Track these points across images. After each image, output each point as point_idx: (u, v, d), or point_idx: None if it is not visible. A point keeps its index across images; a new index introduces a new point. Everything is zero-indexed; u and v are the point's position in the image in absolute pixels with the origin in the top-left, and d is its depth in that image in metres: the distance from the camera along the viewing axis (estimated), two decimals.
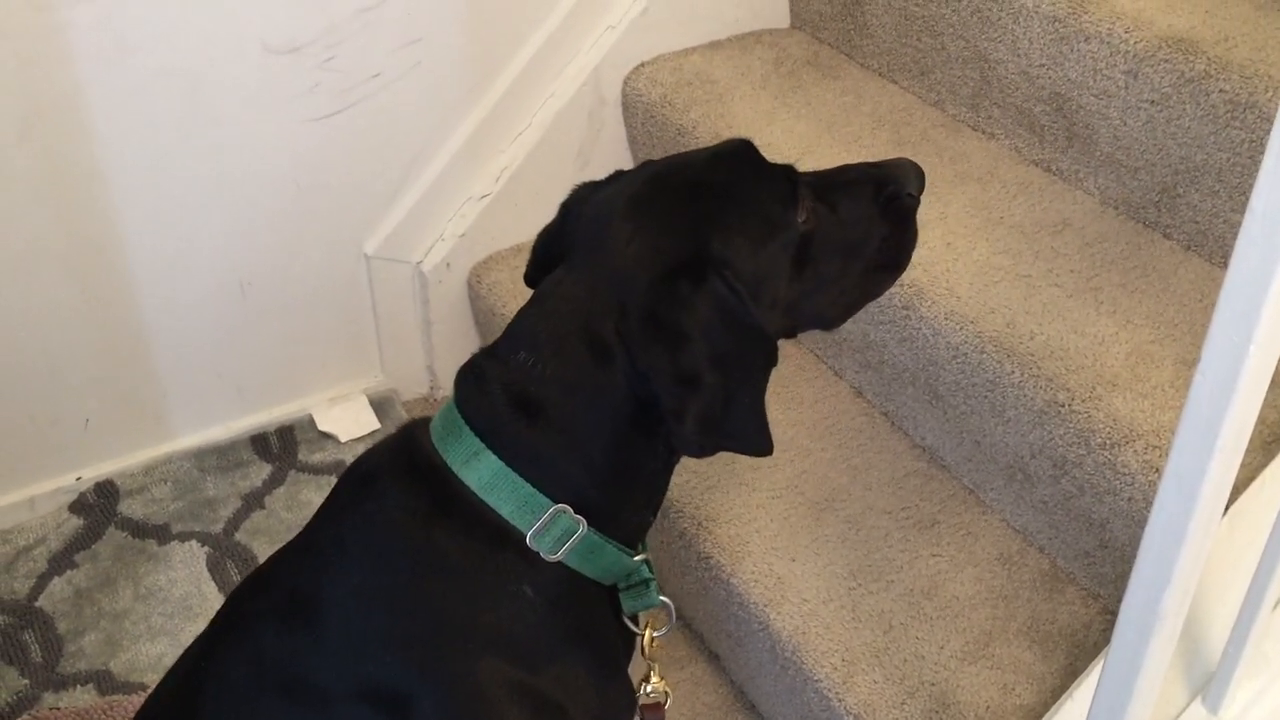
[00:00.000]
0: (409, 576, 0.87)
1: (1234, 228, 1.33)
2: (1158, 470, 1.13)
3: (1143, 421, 1.17)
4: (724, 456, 1.46)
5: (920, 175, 1.01)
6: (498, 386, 0.89)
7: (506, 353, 0.91)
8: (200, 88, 1.51)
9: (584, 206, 0.96)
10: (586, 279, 0.89)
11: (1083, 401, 1.20)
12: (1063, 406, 1.20)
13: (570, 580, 0.89)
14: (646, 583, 0.95)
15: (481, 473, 0.87)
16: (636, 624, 0.98)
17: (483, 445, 0.87)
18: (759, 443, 0.90)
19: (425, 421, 0.93)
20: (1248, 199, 1.32)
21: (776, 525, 1.37)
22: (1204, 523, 0.68)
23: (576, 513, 0.88)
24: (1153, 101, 1.34)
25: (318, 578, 0.89)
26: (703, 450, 0.91)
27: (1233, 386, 0.62)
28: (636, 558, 0.93)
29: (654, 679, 0.99)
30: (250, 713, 0.88)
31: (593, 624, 0.93)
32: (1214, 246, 1.35)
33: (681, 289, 0.85)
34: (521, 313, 0.94)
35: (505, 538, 0.87)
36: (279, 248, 1.68)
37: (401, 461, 0.91)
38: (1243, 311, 0.61)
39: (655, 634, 0.98)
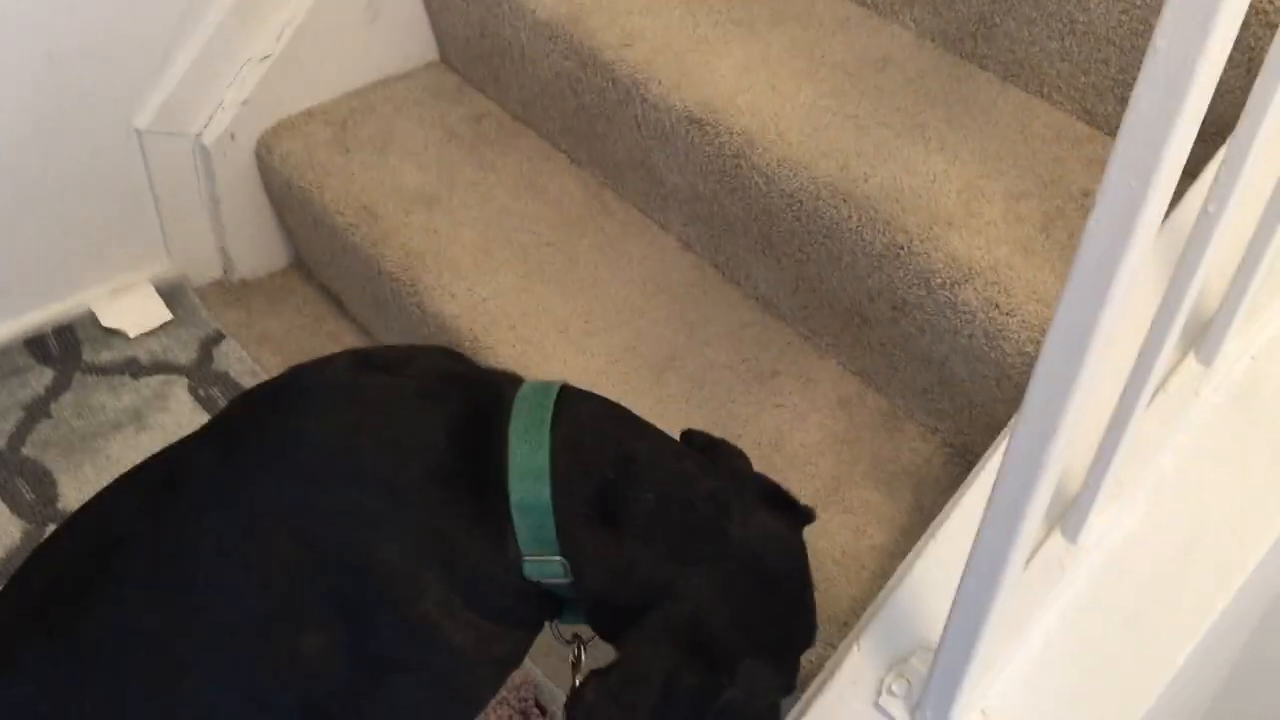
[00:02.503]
0: (408, 525, 0.86)
1: (1051, 56, 1.33)
2: (997, 306, 1.15)
3: (979, 259, 1.17)
4: (554, 319, 1.41)
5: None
6: (600, 474, 0.88)
7: (630, 465, 0.89)
8: None
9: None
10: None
11: (921, 242, 1.19)
12: (902, 249, 1.20)
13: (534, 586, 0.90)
14: None
15: (529, 496, 0.86)
16: (565, 636, 0.99)
17: (548, 478, 0.86)
18: None
19: (513, 384, 0.92)
20: (1066, 25, 1.32)
21: (618, 390, 1.34)
22: (1090, 378, 0.67)
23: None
24: None
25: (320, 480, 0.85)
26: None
27: (1127, 240, 0.60)
28: None
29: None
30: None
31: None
32: (1030, 76, 1.35)
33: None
34: (676, 455, 0.94)
35: (506, 540, 0.87)
36: (32, 126, 1.49)
37: (463, 416, 0.88)
38: (1142, 157, 0.58)
39: (583, 643, 0.99)
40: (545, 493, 0.86)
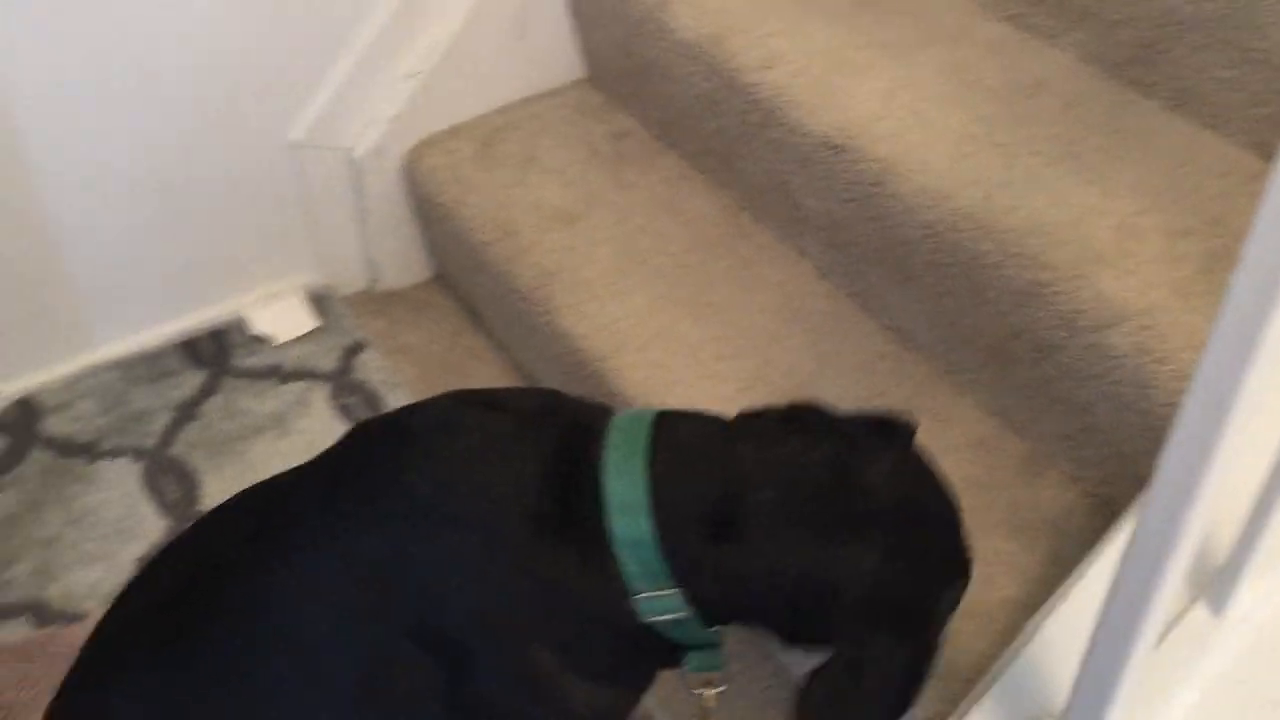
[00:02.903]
0: (507, 571, 0.84)
1: (1222, 85, 1.24)
2: (1149, 353, 1.07)
3: (1131, 301, 1.10)
4: (685, 343, 1.39)
5: None
6: (706, 492, 0.85)
7: (736, 471, 0.86)
8: None
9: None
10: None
11: (1067, 281, 1.12)
12: (1045, 287, 1.13)
13: (646, 631, 0.87)
14: (715, 646, 0.91)
15: (629, 531, 0.83)
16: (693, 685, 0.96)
17: (647, 509, 0.83)
18: None
19: (608, 418, 0.89)
20: (1240, 53, 1.23)
21: None
22: (1234, 440, 0.61)
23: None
24: None
25: (419, 531, 0.85)
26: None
27: (1276, 289, 0.55)
28: (712, 628, 0.90)
29: None
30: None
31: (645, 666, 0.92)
32: (1199, 106, 1.27)
33: None
34: (776, 440, 0.88)
35: (612, 581, 0.84)
36: (194, 138, 1.55)
37: (559, 455, 0.86)
38: None
39: (714, 690, 0.95)
40: (645, 525, 0.83)
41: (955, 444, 1.27)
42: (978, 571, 1.16)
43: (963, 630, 1.11)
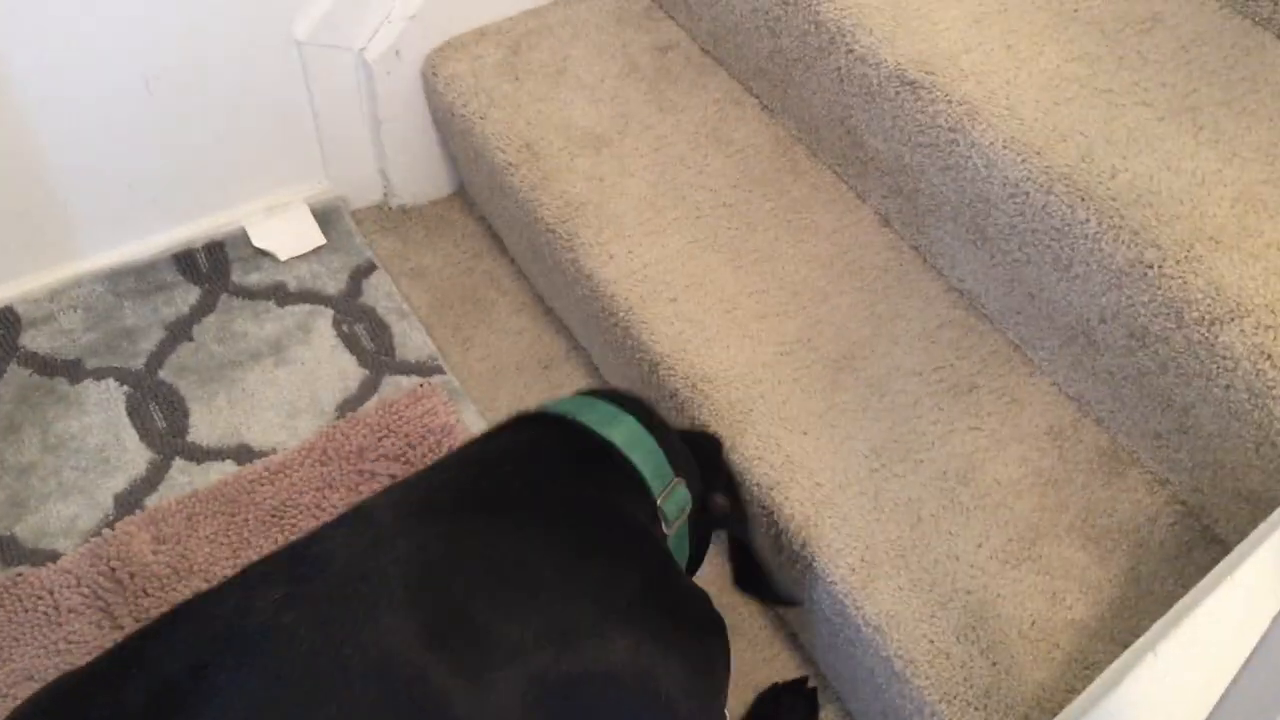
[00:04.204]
0: (603, 539, 0.88)
1: None
2: (1270, 357, 0.91)
3: (1253, 292, 0.93)
4: (722, 295, 1.24)
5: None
6: (641, 410, 1.00)
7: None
8: None
9: None
10: None
11: (1176, 263, 0.95)
12: (1150, 268, 0.96)
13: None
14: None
15: (623, 432, 0.94)
16: None
17: (621, 410, 0.97)
18: None
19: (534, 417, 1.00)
20: None
21: (785, 389, 1.15)
22: None
23: None
24: None
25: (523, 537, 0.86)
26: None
27: None
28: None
29: None
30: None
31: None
32: None
33: None
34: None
35: (645, 491, 0.93)
36: (188, 32, 1.38)
37: (553, 435, 0.96)
38: None
39: None
40: (637, 427, 0.95)
41: (1025, 431, 1.12)
42: (1042, 585, 1.03)
43: (1020, 654, 0.98)
